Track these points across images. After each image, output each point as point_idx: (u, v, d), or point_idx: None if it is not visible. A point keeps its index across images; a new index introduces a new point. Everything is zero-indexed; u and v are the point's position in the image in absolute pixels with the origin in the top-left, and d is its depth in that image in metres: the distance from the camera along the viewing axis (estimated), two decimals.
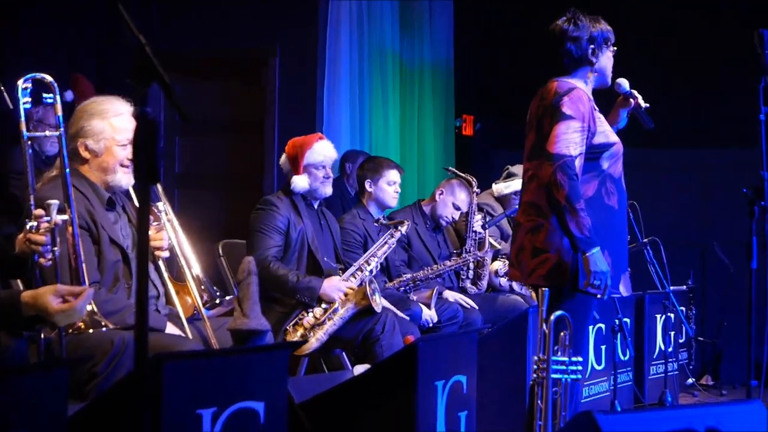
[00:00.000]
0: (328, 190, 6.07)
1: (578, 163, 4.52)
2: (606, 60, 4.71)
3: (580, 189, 4.49)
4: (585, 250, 4.48)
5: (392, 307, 5.95)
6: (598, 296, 4.51)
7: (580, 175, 4.55)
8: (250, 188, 7.94)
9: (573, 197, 4.46)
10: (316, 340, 5.68)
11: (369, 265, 5.95)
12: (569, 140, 4.50)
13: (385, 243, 6.14)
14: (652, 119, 4.80)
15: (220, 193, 8.17)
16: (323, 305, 5.76)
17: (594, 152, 4.60)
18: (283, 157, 6.11)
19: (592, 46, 4.67)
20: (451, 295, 6.68)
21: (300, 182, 5.97)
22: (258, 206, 6.00)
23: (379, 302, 5.72)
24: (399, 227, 6.22)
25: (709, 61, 8.85)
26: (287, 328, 5.73)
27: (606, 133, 4.62)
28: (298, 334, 5.69)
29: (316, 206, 6.09)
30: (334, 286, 5.80)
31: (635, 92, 4.79)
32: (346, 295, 5.77)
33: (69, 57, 7.86)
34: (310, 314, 5.73)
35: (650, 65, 8.58)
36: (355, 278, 5.88)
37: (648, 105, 4.80)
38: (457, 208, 7.08)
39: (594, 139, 4.58)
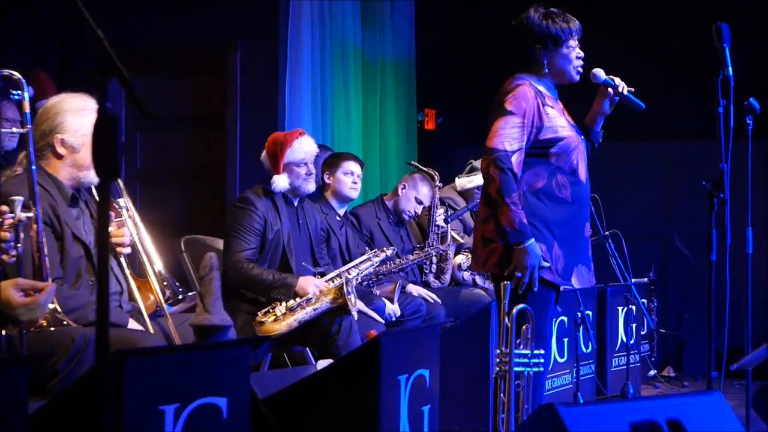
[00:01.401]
0: (310, 186, 6.01)
1: (516, 158, 4.60)
2: (560, 58, 4.74)
3: (513, 183, 4.56)
4: (512, 243, 4.56)
5: (364, 308, 5.93)
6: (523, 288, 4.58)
7: (530, 168, 4.66)
8: (212, 183, 7.92)
9: (503, 191, 4.55)
10: (286, 324, 5.64)
11: (350, 274, 5.92)
12: (506, 135, 4.60)
13: (369, 259, 6.15)
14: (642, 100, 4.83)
15: (182, 189, 8.14)
16: (297, 299, 5.72)
17: (542, 147, 4.67)
18: (264, 153, 6.04)
19: (538, 45, 4.72)
20: (414, 289, 6.69)
21: (280, 182, 5.90)
22: (237, 203, 5.94)
23: (355, 304, 5.69)
24: (385, 249, 6.25)
25: (669, 54, 8.90)
26: (258, 314, 5.69)
27: (555, 128, 4.67)
28: (270, 319, 5.65)
29: (296, 203, 6.05)
30: (311, 281, 5.77)
31: (616, 79, 4.81)
32: (321, 292, 5.74)
33: (30, 54, 7.81)
34: (283, 304, 5.69)
35: (613, 58, 8.61)
36: (333, 282, 5.85)
37: (632, 89, 4.82)
38: (420, 203, 7.09)
39: (541, 135, 4.66)
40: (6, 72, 4.14)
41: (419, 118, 9.46)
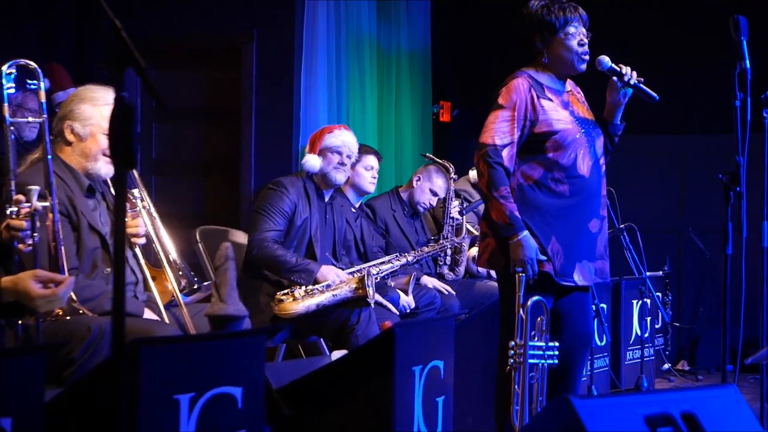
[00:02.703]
0: (341, 177, 6.09)
1: (508, 152, 4.60)
2: (557, 46, 4.69)
3: (502, 178, 4.57)
4: (505, 235, 4.56)
5: (380, 298, 5.95)
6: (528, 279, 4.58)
7: (526, 162, 4.65)
8: (227, 175, 7.92)
9: (491, 185, 4.58)
10: (304, 305, 5.66)
11: (373, 270, 5.95)
12: (495, 129, 4.62)
13: (390, 261, 6.17)
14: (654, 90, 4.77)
15: (198, 180, 8.15)
16: (317, 285, 5.74)
17: (537, 140, 4.65)
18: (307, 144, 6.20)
19: (536, 35, 4.70)
20: (429, 281, 6.70)
21: (311, 161, 5.99)
22: (269, 185, 6.00)
23: (373, 297, 5.72)
24: (407, 255, 6.32)
25: (686, 47, 8.87)
26: (277, 294, 5.70)
27: (549, 121, 4.63)
28: (289, 299, 5.66)
29: (327, 198, 6.08)
30: (332, 270, 5.80)
31: (624, 67, 4.75)
32: (342, 281, 5.76)
33: (45, 45, 7.82)
34: (303, 288, 5.71)
35: (627, 51, 8.59)
36: (354, 275, 5.87)
37: (642, 78, 4.77)
38: (435, 194, 7.09)
39: (536, 128, 4.63)
40: (22, 62, 4.16)
41: (434, 110, 9.45)
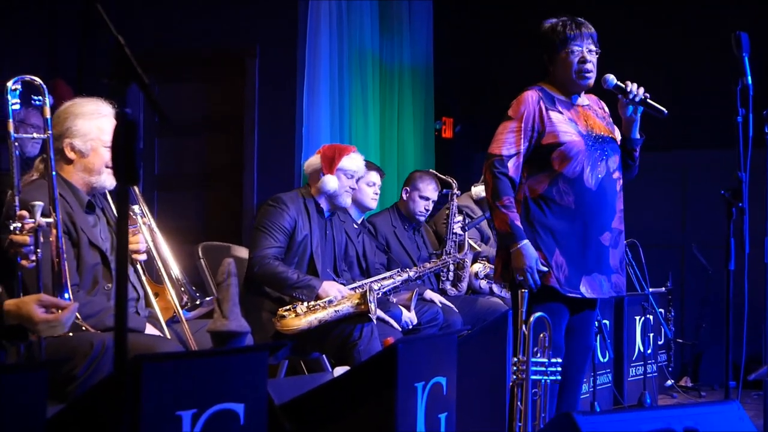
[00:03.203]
0: (348, 200, 6.14)
1: (514, 162, 4.68)
2: (560, 64, 4.77)
3: (506, 187, 4.65)
4: (507, 244, 4.64)
5: (382, 314, 5.95)
6: (526, 289, 4.61)
7: (533, 174, 4.71)
8: (229, 190, 7.92)
9: (495, 194, 4.66)
10: (306, 321, 5.66)
11: (374, 286, 5.95)
12: (502, 140, 4.70)
13: (392, 277, 6.17)
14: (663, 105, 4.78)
15: (200, 195, 8.15)
16: (319, 301, 5.74)
17: (544, 151, 4.70)
18: (315, 157, 6.17)
19: (544, 52, 4.78)
20: (434, 297, 6.70)
21: (331, 182, 6.00)
22: (269, 202, 6.00)
23: (375, 312, 5.72)
24: (408, 270, 6.31)
25: (689, 62, 8.87)
26: (279, 310, 5.70)
27: (556, 132, 4.69)
28: (291, 315, 5.67)
29: (327, 215, 6.09)
30: (334, 286, 5.80)
31: (630, 84, 4.78)
32: (344, 297, 5.76)
33: (49, 61, 7.83)
34: (305, 303, 5.71)
35: (629, 67, 8.60)
36: (356, 291, 5.87)
37: (647, 94, 4.78)
38: (427, 199, 7.11)
39: (543, 139, 4.70)
40: (28, 77, 4.16)
41: (437, 126, 9.46)
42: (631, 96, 4.75)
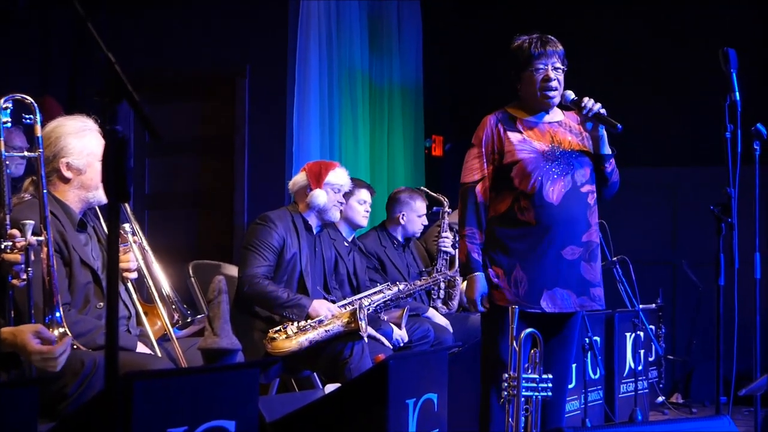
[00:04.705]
0: (336, 215, 6.14)
1: (480, 187, 4.78)
2: (524, 82, 4.82)
3: (471, 216, 4.76)
4: (462, 273, 4.83)
5: (373, 331, 5.94)
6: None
7: (498, 194, 4.77)
8: (220, 208, 7.92)
9: (459, 224, 4.82)
10: (296, 342, 5.66)
11: (363, 302, 5.95)
12: (469, 168, 4.84)
13: (382, 291, 6.17)
14: (618, 121, 4.70)
15: (190, 214, 8.15)
16: (309, 321, 5.74)
17: (505, 170, 4.77)
18: (300, 174, 6.16)
19: (511, 69, 4.85)
20: (437, 318, 6.72)
21: (320, 196, 6.00)
22: (257, 220, 6.00)
23: (366, 330, 5.71)
24: (398, 283, 6.36)
25: (677, 80, 8.90)
26: (269, 331, 5.70)
27: (513, 152, 4.76)
28: (281, 336, 5.67)
29: (315, 232, 6.09)
30: (324, 305, 5.80)
31: (586, 100, 4.72)
32: (334, 315, 5.76)
33: (40, 79, 7.84)
34: (295, 324, 5.71)
35: (618, 84, 8.63)
36: (346, 308, 5.87)
37: (600, 109, 4.70)
38: (421, 216, 7.14)
39: (504, 159, 4.77)
40: (18, 96, 4.17)
41: (427, 145, 9.48)
42: (585, 111, 4.73)
